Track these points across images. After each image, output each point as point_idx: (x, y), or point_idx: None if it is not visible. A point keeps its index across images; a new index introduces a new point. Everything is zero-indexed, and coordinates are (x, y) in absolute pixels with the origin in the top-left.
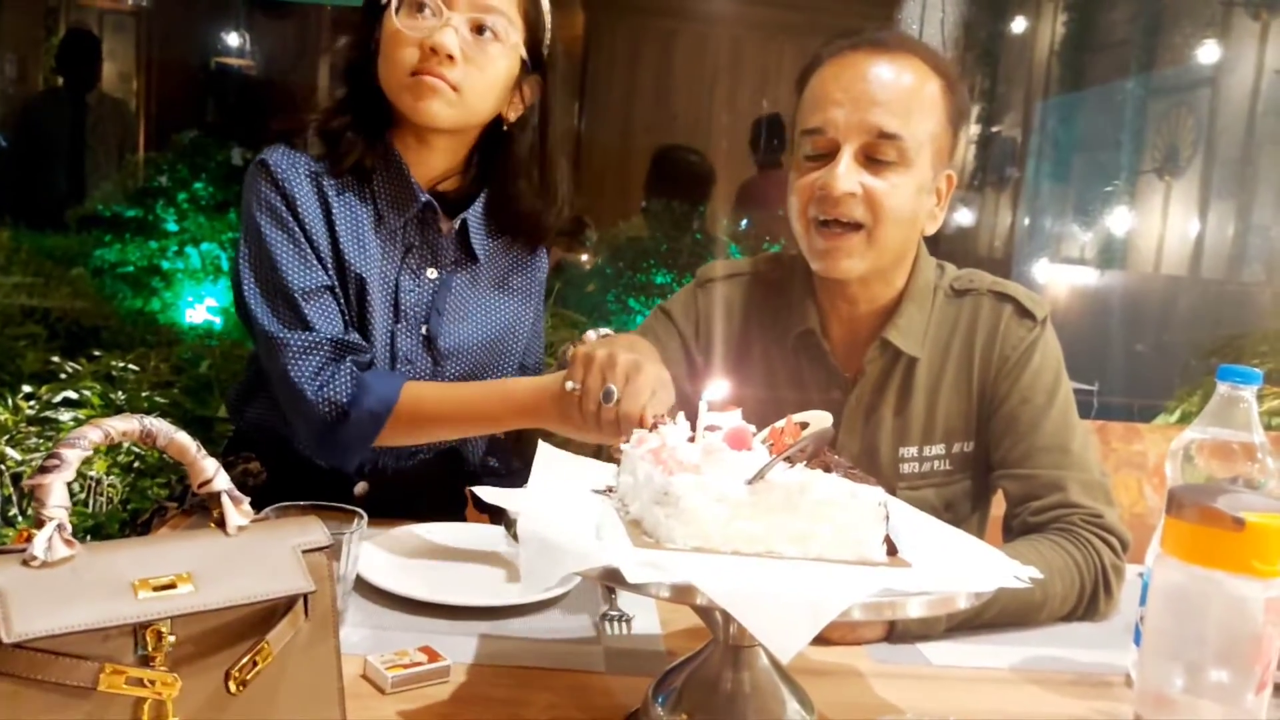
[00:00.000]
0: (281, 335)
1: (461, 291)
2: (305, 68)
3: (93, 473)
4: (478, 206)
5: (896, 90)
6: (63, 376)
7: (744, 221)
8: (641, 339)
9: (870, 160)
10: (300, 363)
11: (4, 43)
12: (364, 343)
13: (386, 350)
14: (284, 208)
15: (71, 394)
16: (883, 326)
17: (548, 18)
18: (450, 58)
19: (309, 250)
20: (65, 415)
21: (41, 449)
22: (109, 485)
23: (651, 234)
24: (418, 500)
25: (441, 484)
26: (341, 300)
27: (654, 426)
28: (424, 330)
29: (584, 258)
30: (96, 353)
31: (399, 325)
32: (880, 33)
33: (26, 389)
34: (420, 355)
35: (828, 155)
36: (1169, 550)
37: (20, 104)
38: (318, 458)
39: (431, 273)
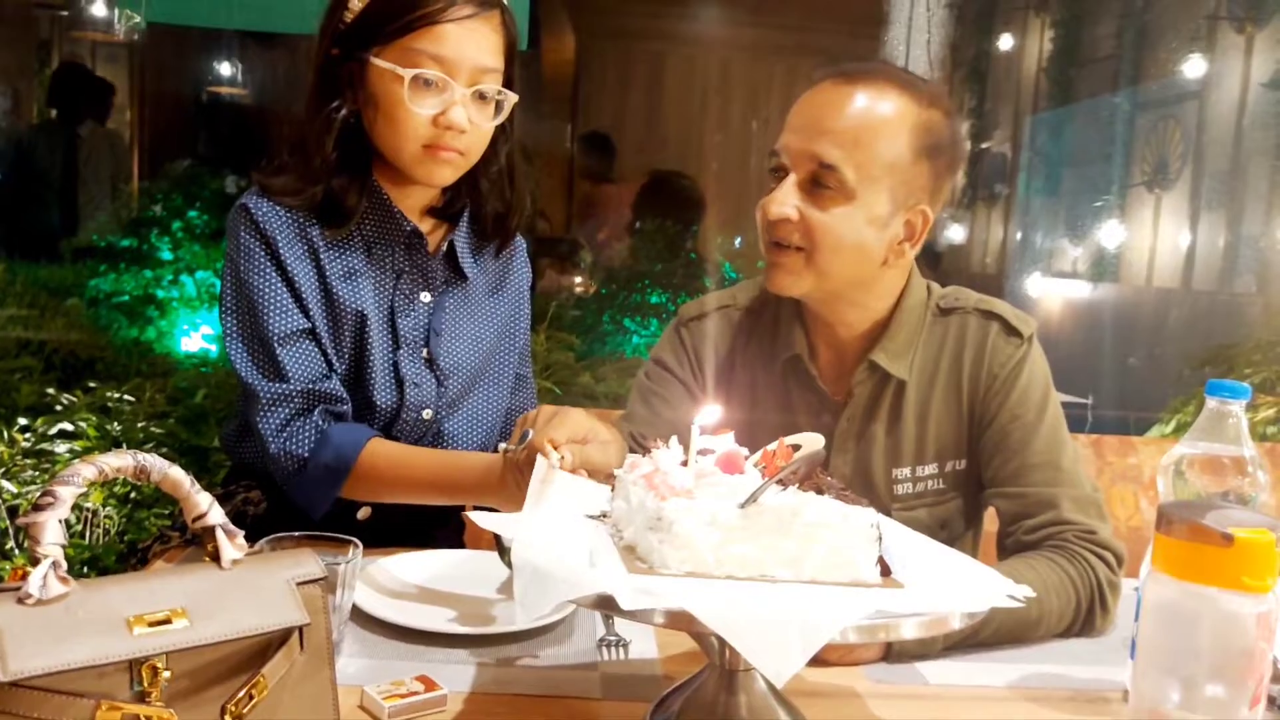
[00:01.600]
0: (255, 384)
1: (455, 310)
2: (298, 97)
3: (89, 504)
4: (462, 226)
5: (850, 121)
6: (58, 409)
7: (738, 240)
8: (600, 422)
9: (816, 186)
10: (269, 414)
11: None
12: (341, 391)
13: (391, 376)
14: (263, 252)
15: (67, 426)
16: (870, 349)
17: (519, 39)
18: (462, 131)
19: (287, 295)
20: (61, 447)
21: (38, 482)
22: (105, 517)
23: (645, 255)
24: (421, 524)
25: (445, 507)
26: (326, 343)
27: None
28: (425, 353)
29: (578, 280)
30: (92, 384)
31: (400, 351)
32: (858, 64)
33: (22, 421)
34: (425, 377)
35: (782, 177)
36: (1160, 567)
37: (14, 136)
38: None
39: (425, 296)
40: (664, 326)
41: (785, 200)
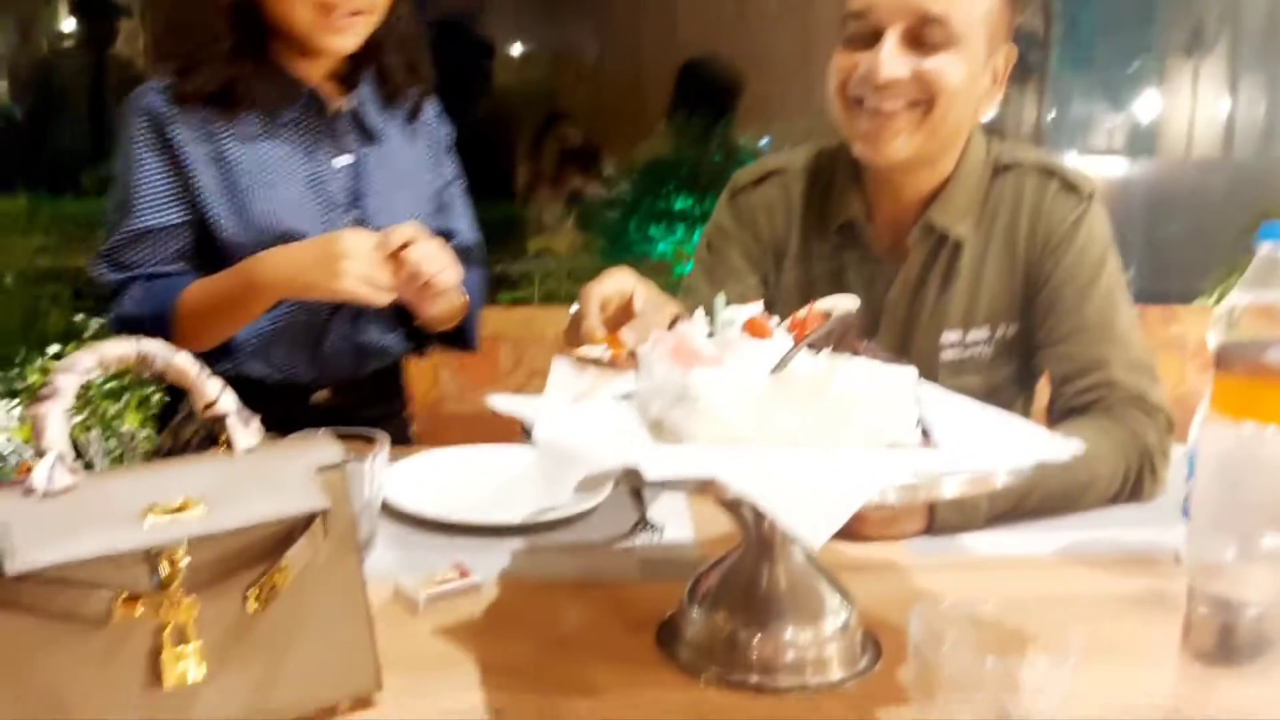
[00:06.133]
0: (102, 275)
1: (376, 172)
2: None
3: (126, 427)
4: (366, 83)
5: None
6: (86, 334)
7: (765, 139)
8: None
9: (917, 43)
10: (113, 304)
11: (3, 7)
12: (186, 270)
13: None
14: (152, 146)
15: None
16: (927, 209)
17: None
18: None
19: (164, 190)
20: (94, 371)
21: (73, 408)
22: (144, 438)
23: (670, 156)
24: (378, 405)
25: (392, 391)
26: (187, 237)
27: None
28: (353, 216)
29: (601, 187)
30: None
31: (329, 215)
32: None
33: (53, 349)
34: None
35: (871, 38)
36: (1218, 409)
37: (27, 68)
38: None
39: (341, 159)
40: (690, 232)
41: (893, 59)
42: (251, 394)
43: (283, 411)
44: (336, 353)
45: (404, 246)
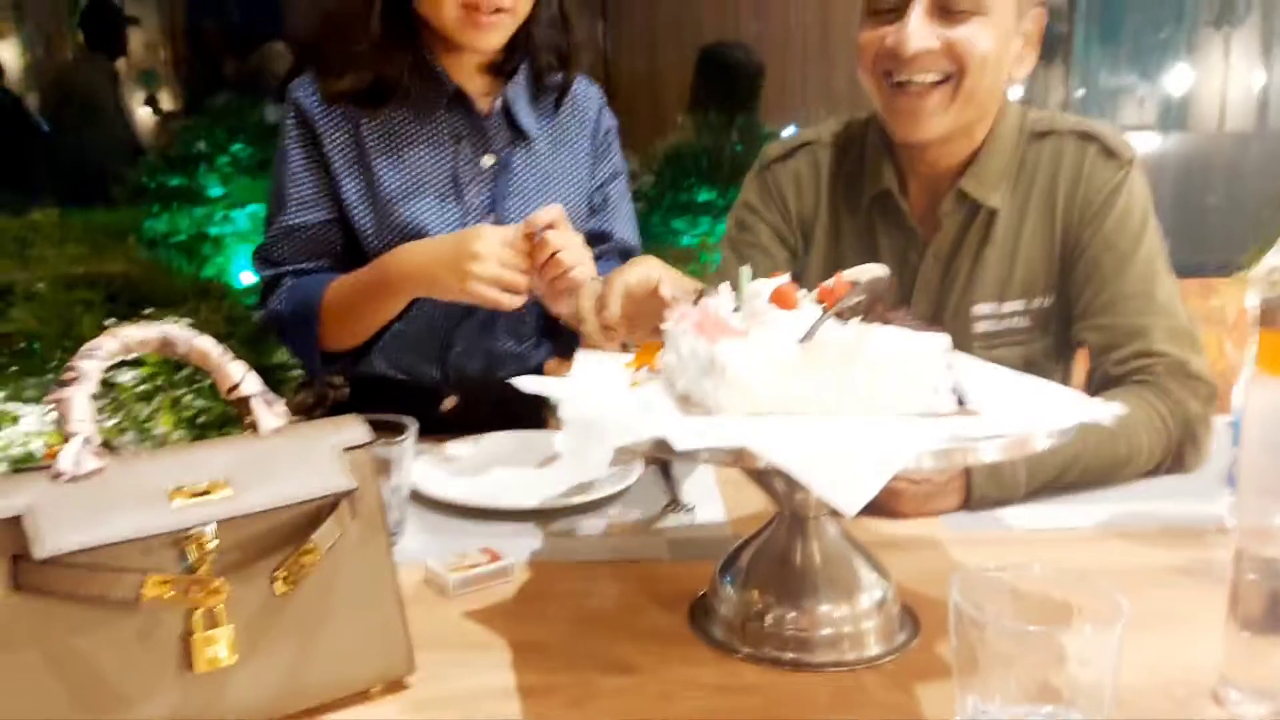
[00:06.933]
0: (257, 270)
1: (522, 173)
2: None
3: (159, 429)
4: (518, 79)
5: None
6: None
7: (791, 127)
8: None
9: (943, 12)
10: (266, 296)
11: (29, 16)
12: (333, 268)
13: None
14: (301, 145)
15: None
16: (960, 178)
17: None
18: None
19: (312, 188)
20: (126, 376)
21: (106, 411)
22: (177, 439)
23: (690, 149)
24: (507, 411)
25: (530, 398)
26: (335, 235)
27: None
28: (492, 219)
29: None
30: (148, 310)
31: (468, 218)
32: None
33: None
34: None
35: (896, 10)
36: (1265, 366)
37: (53, 79)
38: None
39: (487, 159)
40: (715, 223)
41: (921, 29)
42: (382, 394)
43: (412, 415)
44: (463, 357)
45: (544, 230)
